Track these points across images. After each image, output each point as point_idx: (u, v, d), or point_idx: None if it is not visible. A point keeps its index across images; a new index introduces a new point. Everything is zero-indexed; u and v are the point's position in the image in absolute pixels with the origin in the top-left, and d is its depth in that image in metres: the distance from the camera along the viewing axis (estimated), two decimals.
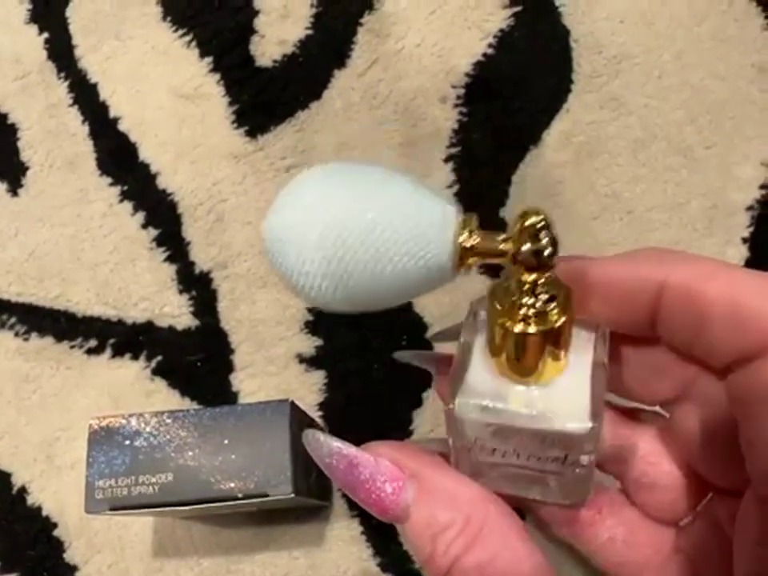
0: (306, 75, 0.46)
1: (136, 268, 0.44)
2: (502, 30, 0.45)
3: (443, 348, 0.34)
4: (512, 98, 0.44)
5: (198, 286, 0.44)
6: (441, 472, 0.22)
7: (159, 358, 0.43)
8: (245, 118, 0.46)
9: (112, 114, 0.47)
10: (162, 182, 0.46)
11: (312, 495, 0.34)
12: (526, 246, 0.19)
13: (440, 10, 0.46)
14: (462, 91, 0.45)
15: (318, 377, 0.41)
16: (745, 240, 0.41)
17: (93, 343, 0.43)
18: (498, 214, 0.43)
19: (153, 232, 0.45)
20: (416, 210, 0.20)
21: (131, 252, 0.45)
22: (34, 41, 0.49)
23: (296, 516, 0.39)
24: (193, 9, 0.48)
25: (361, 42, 0.46)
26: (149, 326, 0.43)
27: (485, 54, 0.45)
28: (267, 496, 0.31)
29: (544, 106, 0.44)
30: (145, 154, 0.46)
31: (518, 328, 0.20)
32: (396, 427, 0.40)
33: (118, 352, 0.43)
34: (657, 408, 0.25)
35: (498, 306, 0.20)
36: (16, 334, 0.44)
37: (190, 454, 0.32)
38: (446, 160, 0.44)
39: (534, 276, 0.19)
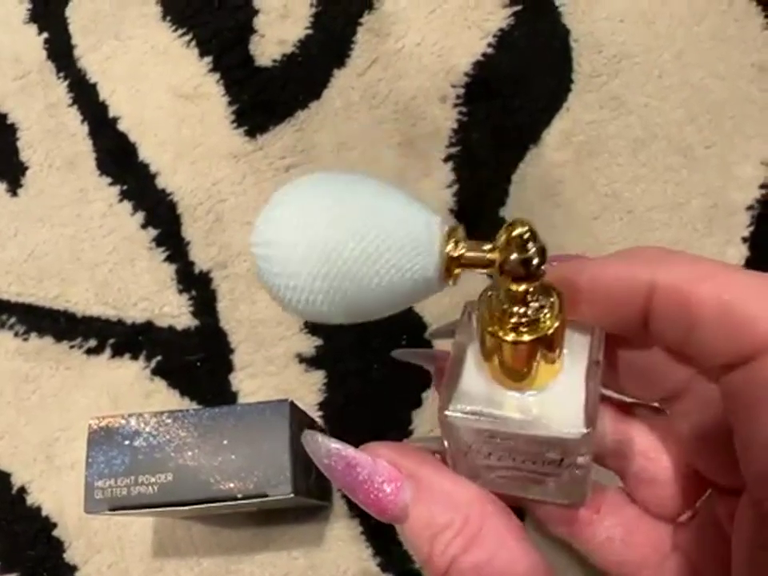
0: (306, 75, 0.46)
1: (135, 268, 0.44)
2: (501, 30, 0.45)
3: (443, 346, 0.34)
4: (512, 97, 0.44)
5: (197, 286, 0.44)
6: (439, 473, 0.22)
7: (159, 357, 0.43)
8: (244, 118, 0.46)
9: (111, 113, 0.47)
10: (161, 182, 0.46)
11: (312, 495, 0.34)
12: (514, 257, 0.19)
13: (440, 10, 0.46)
14: (461, 90, 0.45)
15: (318, 377, 0.41)
16: (745, 239, 0.41)
17: (92, 343, 0.43)
18: (497, 214, 0.43)
19: (152, 232, 0.45)
20: (401, 221, 0.20)
21: (131, 252, 0.45)
22: (33, 40, 0.49)
23: (296, 516, 0.39)
24: (192, 8, 0.48)
25: (360, 42, 0.46)
26: (148, 326, 0.43)
27: (485, 54, 0.45)
28: (267, 496, 0.31)
29: (544, 106, 0.44)
30: (144, 153, 0.46)
31: (511, 337, 0.20)
32: (396, 427, 0.40)
33: (117, 352, 0.43)
34: (656, 404, 0.25)
35: (489, 314, 0.20)
36: (15, 334, 0.44)
37: (190, 454, 0.31)
38: (446, 159, 0.44)
39: (523, 286, 0.19)
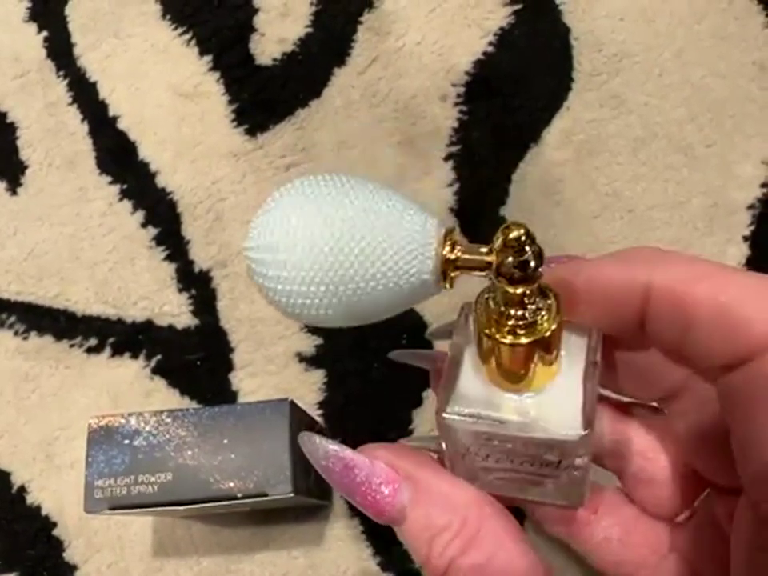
0: (306, 73, 0.46)
1: (135, 267, 0.44)
2: (502, 28, 0.45)
3: (443, 346, 0.34)
4: (512, 96, 0.44)
5: (197, 285, 0.44)
6: (437, 474, 0.22)
7: (159, 357, 0.43)
8: (244, 117, 0.46)
9: (111, 112, 0.47)
10: (161, 181, 0.46)
11: (311, 495, 0.34)
12: (510, 260, 0.18)
13: (440, 8, 0.46)
14: (462, 89, 0.45)
15: (318, 376, 0.41)
16: (746, 238, 0.41)
17: (92, 342, 0.43)
18: (498, 213, 0.43)
19: (152, 231, 0.45)
20: (397, 224, 0.20)
21: (131, 251, 0.45)
22: (33, 39, 0.49)
23: (295, 515, 0.39)
24: (192, 7, 0.48)
25: (361, 40, 0.46)
26: (148, 325, 0.43)
27: (485, 53, 0.45)
28: (266, 495, 0.31)
29: (544, 105, 0.44)
30: (144, 152, 0.46)
31: (508, 339, 0.20)
32: (395, 426, 0.40)
33: (117, 351, 0.43)
34: (654, 403, 0.25)
35: (486, 317, 0.20)
36: (15, 333, 0.44)
37: (190, 453, 0.31)
38: (446, 158, 0.44)
39: (520, 289, 0.19)
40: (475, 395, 0.21)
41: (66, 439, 0.42)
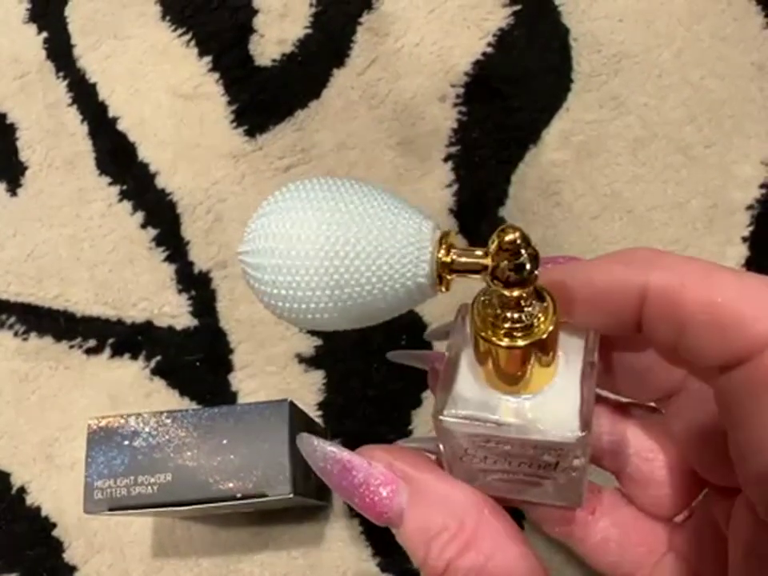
0: (305, 74, 0.46)
1: (135, 268, 0.44)
2: (501, 29, 0.45)
3: (442, 346, 0.34)
4: (511, 97, 0.44)
5: (197, 286, 0.44)
6: (435, 475, 0.21)
7: (158, 357, 0.43)
8: (244, 118, 0.46)
9: (111, 113, 0.47)
10: (161, 182, 0.46)
11: (311, 495, 0.34)
12: (506, 263, 0.18)
13: (439, 9, 0.46)
14: (461, 90, 0.45)
15: (318, 377, 0.41)
16: (745, 239, 0.41)
17: (92, 343, 0.43)
18: (497, 214, 0.43)
19: (152, 232, 0.45)
20: (393, 227, 0.20)
21: (130, 252, 0.45)
22: (32, 40, 0.49)
23: (295, 516, 0.39)
24: (191, 8, 0.48)
25: (360, 41, 0.46)
26: (148, 326, 0.43)
27: (484, 53, 0.45)
28: (266, 496, 0.31)
29: (543, 105, 0.44)
30: (144, 153, 0.46)
31: (505, 342, 0.20)
32: (395, 427, 0.40)
33: (117, 352, 0.43)
34: (652, 404, 0.25)
35: (483, 319, 0.20)
36: (15, 334, 0.44)
37: (189, 454, 0.31)
38: (446, 159, 0.44)
39: (516, 292, 0.19)
40: (472, 397, 0.21)
41: (65, 440, 0.42)
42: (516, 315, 0.19)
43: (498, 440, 0.21)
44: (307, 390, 0.41)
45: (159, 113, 0.47)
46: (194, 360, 0.43)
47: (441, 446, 0.22)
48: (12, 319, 0.44)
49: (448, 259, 0.20)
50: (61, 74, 0.48)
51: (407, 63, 0.46)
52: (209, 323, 0.43)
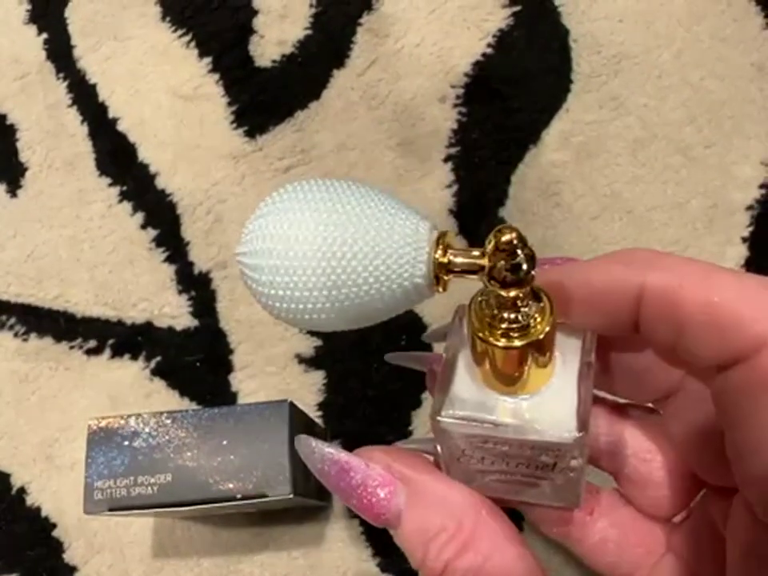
0: (305, 75, 0.46)
1: (135, 268, 0.44)
2: (501, 30, 0.45)
3: (441, 348, 0.34)
4: (511, 97, 0.44)
5: (197, 287, 0.44)
6: (433, 477, 0.21)
7: (158, 358, 0.43)
8: (244, 119, 0.46)
9: (111, 114, 0.47)
10: (161, 183, 0.46)
11: (311, 495, 0.34)
12: (502, 263, 0.18)
13: (439, 10, 0.46)
14: (461, 91, 0.45)
15: (317, 377, 0.41)
16: (744, 239, 0.41)
17: (92, 344, 0.43)
18: (497, 214, 0.43)
19: (152, 232, 0.45)
20: (390, 228, 0.20)
21: (130, 252, 0.45)
22: (33, 41, 0.49)
23: (295, 516, 0.39)
24: (192, 9, 0.48)
25: (360, 42, 0.46)
26: (148, 327, 0.43)
27: (484, 54, 0.45)
28: (266, 496, 0.31)
29: (543, 106, 0.44)
30: (144, 154, 0.46)
31: (502, 342, 0.20)
32: (395, 428, 0.40)
33: (117, 352, 0.43)
34: (649, 404, 0.25)
35: (480, 320, 0.20)
36: (15, 335, 0.44)
37: (189, 454, 0.32)
38: (445, 160, 0.44)
39: (513, 292, 0.19)
40: (470, 398, 0.21)
41: (65, 440, 0.42)
42: (513, 316, 0.19)
43: (495, 441, 0.21)
44: (307, 391, 0.41)
45: (159, 113, 0.47)
46: (194, 360, 0.43)
47: (438, 447, 0.22)
48: (12, 320, 0.44)
49: (445, 260, 0.20)
50: (61, 74, 0.48)
51: (407, 64, 0.46)
52: (209, 324, 0.43)
